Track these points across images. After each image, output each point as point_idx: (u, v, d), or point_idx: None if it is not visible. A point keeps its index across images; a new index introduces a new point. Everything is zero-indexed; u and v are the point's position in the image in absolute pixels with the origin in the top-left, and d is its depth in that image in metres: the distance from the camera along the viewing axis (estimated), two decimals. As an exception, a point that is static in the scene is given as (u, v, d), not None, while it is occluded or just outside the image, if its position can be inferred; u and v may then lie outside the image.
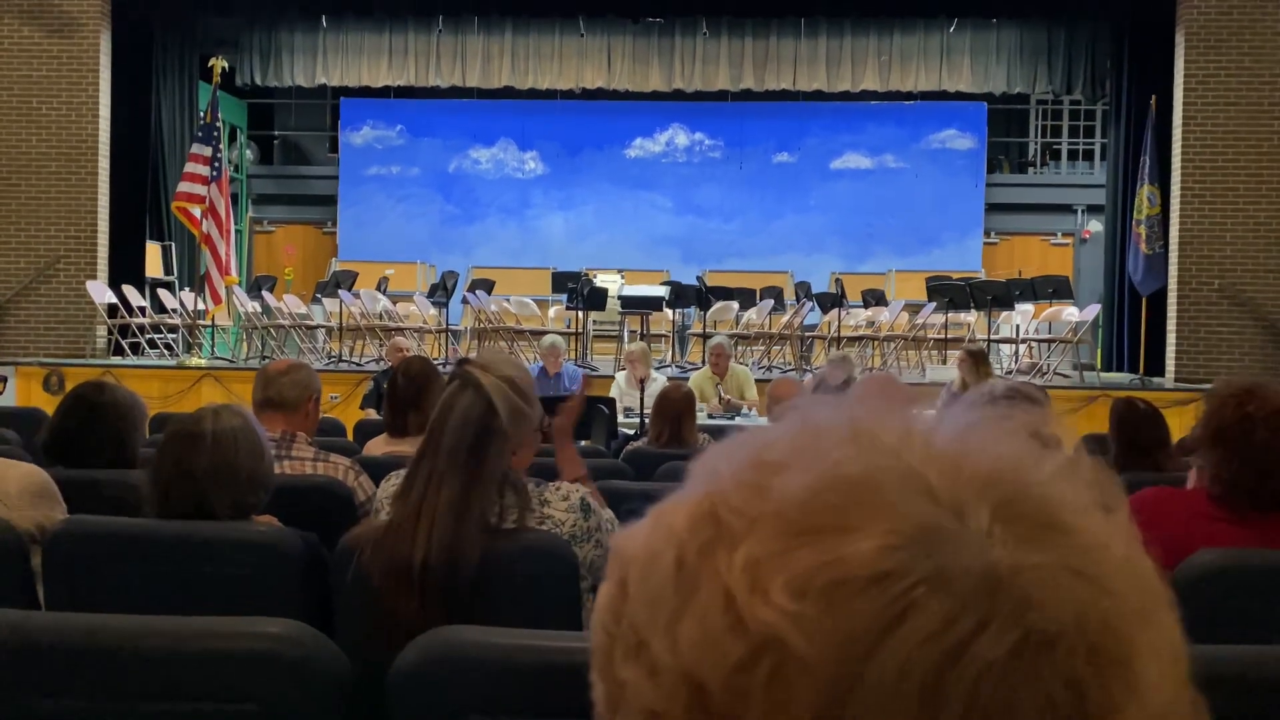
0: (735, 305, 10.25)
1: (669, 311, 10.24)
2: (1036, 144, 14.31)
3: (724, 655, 0.34)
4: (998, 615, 0.33)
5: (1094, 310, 9.57)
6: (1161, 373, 9.32)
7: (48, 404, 7.00)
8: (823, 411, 0.40)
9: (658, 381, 6.88)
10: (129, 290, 9.58)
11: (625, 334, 10.09)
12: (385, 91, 12.72)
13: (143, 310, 9.72)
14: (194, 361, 9.02)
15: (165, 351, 9.76)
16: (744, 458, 0.39)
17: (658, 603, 0.36)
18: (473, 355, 1.93)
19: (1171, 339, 9.32)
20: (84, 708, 1.14)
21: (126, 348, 9.53)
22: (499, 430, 1.78)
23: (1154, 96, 9.41)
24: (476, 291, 9.95)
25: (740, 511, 0.36)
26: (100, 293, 9.42)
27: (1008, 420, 0.39)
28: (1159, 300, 9.41)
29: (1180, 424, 5.44)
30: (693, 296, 9.90)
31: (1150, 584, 0.37)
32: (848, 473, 0.36)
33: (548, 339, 7.30)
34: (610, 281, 10.78)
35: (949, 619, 0.33)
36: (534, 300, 10.72)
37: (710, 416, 6.72)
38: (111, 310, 9.50)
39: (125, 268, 10.04)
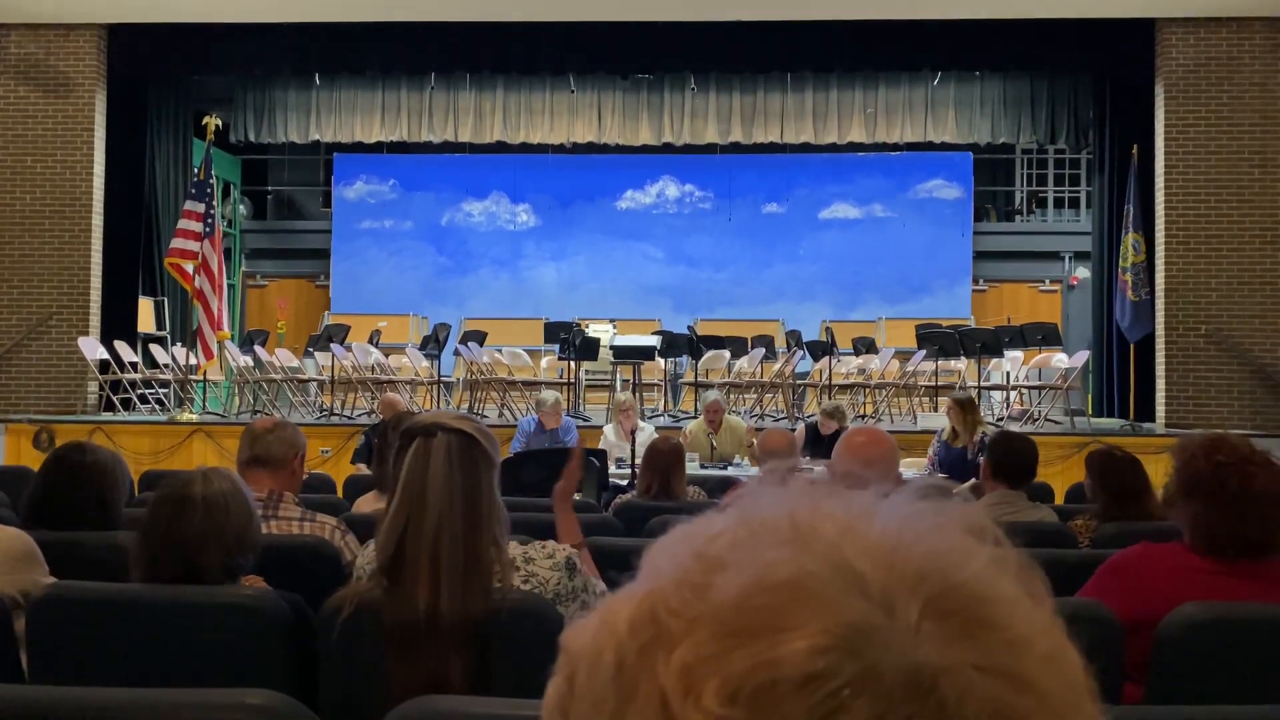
0: (727, 354, 10.29)
1: (661, 361, 10.27)
2: (1022, 192, 14.47)
3: None
4: (920, 716, 0.34)
5: (1083, 356, 9.61)
6: (1152, 418, 9.35)
7: (38, 462, 6.96)
8: (764, 503, 0.41)
9: (647, 431, 6.87)
10: (121, 346, 9.58)
11: (618, 383, 10.11)
12: (378, 147, 12.85)
13: (134, 365, 9.72)
14: (185, 416, 9.00)
15: (157, 407, 9.74)
16: (685, 553, 0.39)
17: (600, 704, 0.37)
18: (414, 416, 1.96)
19: (1161, 384, 9.36)
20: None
21: (118, 403, 9.51)
22: (486, 457, 1.79)
23: (1135, 146, 9.56)
24: (469, 343, 9.97)
25: (678, 613, 0.37)
26: (92, 348, 9.42)
27: (942, 512, 0.40)
28: (1147, 346, 9.47)
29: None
30: (684, 345, 9.94)
31: (1073, 677, 0.38)
32: (781, 575, 0.37)
33: (549, 396, 7.21)
34: (602, 331, 10.82)
35: None
36: (526, 351, 10.75)
37: (702, 466, 6.71)
38: (103, 366, 9.50)
39: (118, 323, 10.05)
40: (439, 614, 1.70)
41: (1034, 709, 0.35)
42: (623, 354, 9.87)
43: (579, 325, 10.42)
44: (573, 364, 9.63)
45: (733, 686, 0.35)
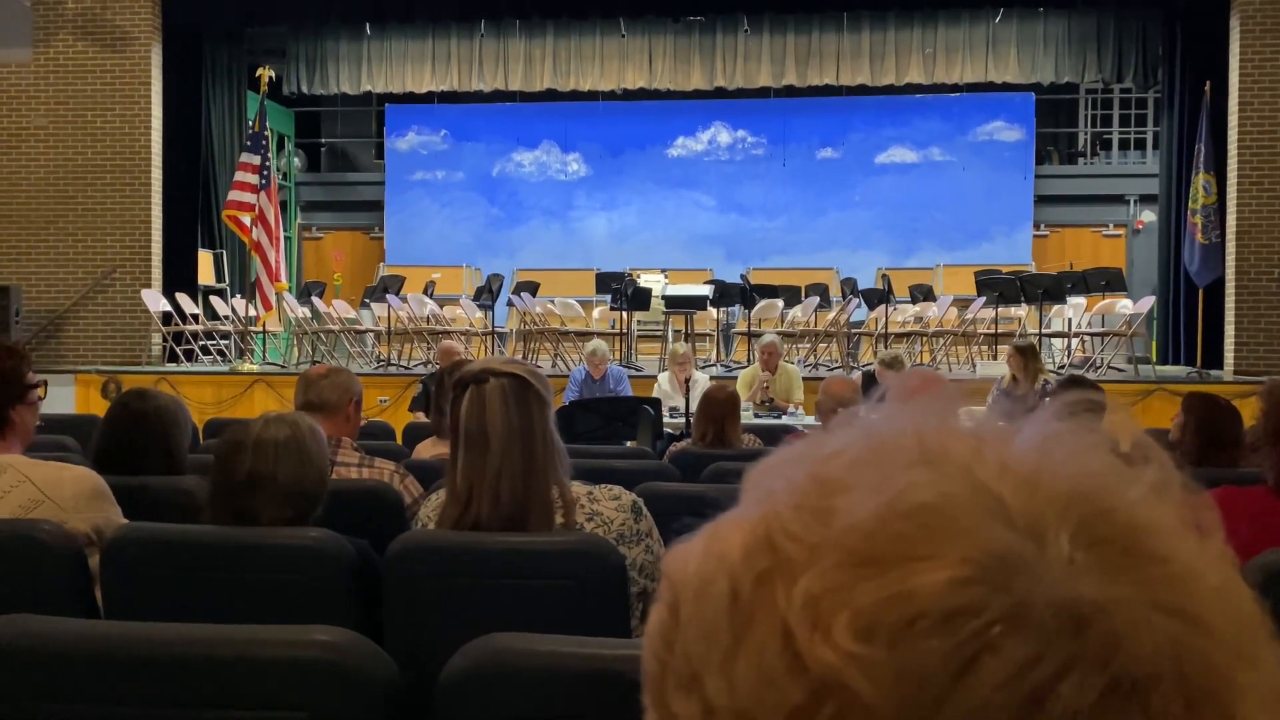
0: (780, 303, 10.19)
1: (713, 310, 10.20)
2: (1086, 134, 14.04)
3: (782, 698, 0.32)
4: (1083, 658, 0.30)
5: (1148, 302, 9.36)
6: (1220, 365, 9.10)
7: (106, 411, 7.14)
8: (886, 422, 0.37)
9: (702, 381, 6.86)
10: (182, 298, 9.76)
11: (670, 333, 10.08)
12: (429, 97, 12.83)
13: (196, 317, 9.91)
14: (246, 367, 9.17)
15: (218, 357, 9.93)
16: (801, 475, 0.36)
17: (712, 636, 0.34)
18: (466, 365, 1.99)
19: (1230, 331, 9.09)
20: (139, 714, 1.16)
21: (181, 354, 9.71)
22: (539, 398, 1.80)
23: (1208, 82, 9.18)
24: (521, 294, 9.99)
25: (799, 538, 0.34)
26: (155, 301, 9.61)
27: (1089, 433, 0.36)
28: (1216, 291, 9.18)
29: (1243, 417, 5.29)
30: (737, 295, 9.86)
31: (1249, 618, 0.33)
32: (918, 499, 0.33)
33: (592, 344, 7.30)
34: (654, 281, 10.77)
35: (1029, 662, 0.30)
36: (578, 301, 10.74)
37: (756, 416, 6.68)
38: (166, 318, 9.70)
39: (178, 276, 10.24)
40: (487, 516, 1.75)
41: (1212, 649, 0.31)
42: (675, 304, 9.82)
43: (630, 275, 10.38)
44: (625, 314, 9.61)
45: (865, 621, 0.31)
